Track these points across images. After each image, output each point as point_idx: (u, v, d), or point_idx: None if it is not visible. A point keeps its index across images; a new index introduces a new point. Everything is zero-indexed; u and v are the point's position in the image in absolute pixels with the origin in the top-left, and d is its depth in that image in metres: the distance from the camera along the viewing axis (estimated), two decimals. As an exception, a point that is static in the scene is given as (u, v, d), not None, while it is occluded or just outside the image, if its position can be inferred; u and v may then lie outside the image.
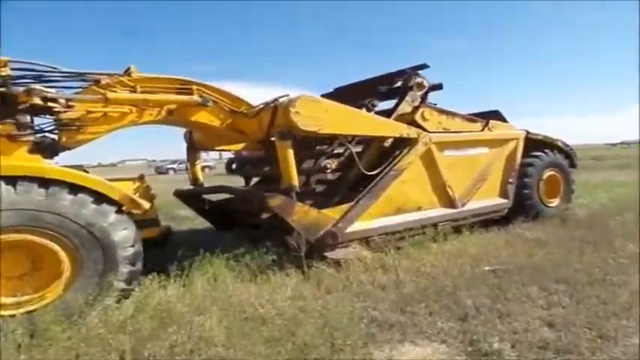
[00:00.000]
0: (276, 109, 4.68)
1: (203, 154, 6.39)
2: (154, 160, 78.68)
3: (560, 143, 7.38)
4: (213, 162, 41.74)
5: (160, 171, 43.86)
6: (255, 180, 6.66)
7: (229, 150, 6.17)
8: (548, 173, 7.09)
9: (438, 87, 5.97)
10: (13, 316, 3.24)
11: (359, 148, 5.63)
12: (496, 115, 6.85)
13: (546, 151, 7.12)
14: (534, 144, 7.00)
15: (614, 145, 69.13)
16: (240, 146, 5.61)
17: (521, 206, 6.69)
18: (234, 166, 6.81)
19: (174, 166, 44.48)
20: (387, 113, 5.75)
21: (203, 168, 6.45)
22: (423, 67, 5.94)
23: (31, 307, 3.34)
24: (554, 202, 7.21)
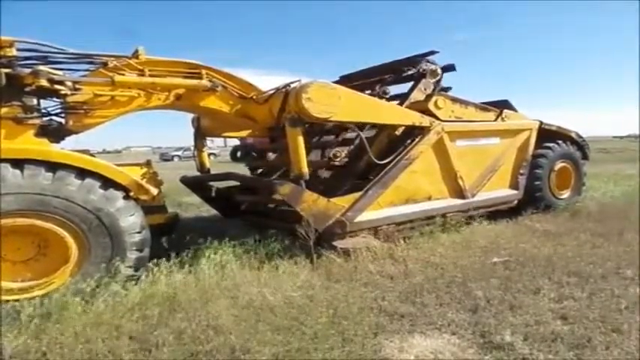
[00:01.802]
0: (287, 94, 4.60)
1: (207, 142, 6.32)
2: (159, 147, 78.83)
3: (573, 134, 7.28)
4: (218, 149, 41.66)
5: (165, 158, 43.86)
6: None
7: (237, 137, 6.10)
8: (559, 165, 7.01)
9: (450, 68, 5.84)
10: (20, 301, 3.22)
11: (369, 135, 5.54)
12: (505, 105, 6.74)
13: (559, 142, 7.02)
14: (547, 134, 6.89)
15: (621, 137, 68.40)
16: (248, 133, 5.54)
17: (532, 198, 6.62)
18: (239, 153, 6.75)
19: (180, 153, 44.47)
20: (399, 101, 5.66)
21: (208, 155, 6.39)
22: (432, 53, 5.81)
23: (38, 293, 3.32)
24: (565, 194, 7.13)
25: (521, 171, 6.52)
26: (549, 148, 6.85)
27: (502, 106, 6.64)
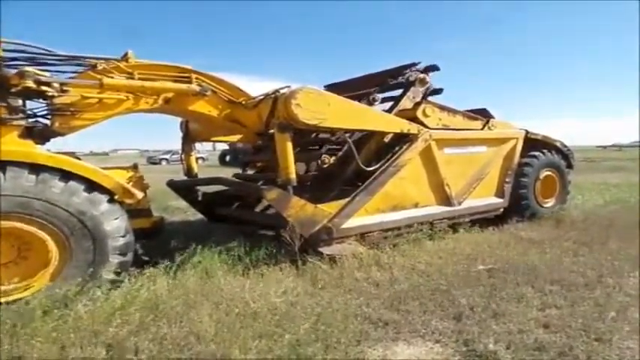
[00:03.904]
0: (276, 100, 4.60)
1: (196, 145, 6.31)
2: (147, 150, 78.04)
3: (558, 144, 7.39)
4: (206, 153, 41.44)
5: (153, 161, 43.48)
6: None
7: (226, 141, 6.10)
8: (544, 173, 7.09)
9: (437, 92, 5.91)
10: None
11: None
12: (483, 113, 6.79)
13: (544, 151, 7.11)
14: (532, 143, 6.99)
15: (605, 147, 69.51)
16: (237, 138, 5.54)
17: (517, 206, 6.68)
18: (227, 157, 6.72)
19: (167, 156, 44.15)
20: (388, 108, 5.70)
21: (196, 159, 6.37)
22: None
23: (17, 296, 3.27)
24: (550, 203, 7.22)
25: (507, 179, 6.59)
26: (535, 156, 6.93)
27: (479, 114, 6.70)
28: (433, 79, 5.92)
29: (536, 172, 6.93)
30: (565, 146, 7.52)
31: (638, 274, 4.19)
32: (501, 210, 6.60)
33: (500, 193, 6.57)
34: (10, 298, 3.24)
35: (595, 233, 5.79)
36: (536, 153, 6.98)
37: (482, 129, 6.41)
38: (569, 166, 7.65)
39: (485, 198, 6.40)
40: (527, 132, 6.89)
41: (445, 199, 5.82)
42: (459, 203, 5.94)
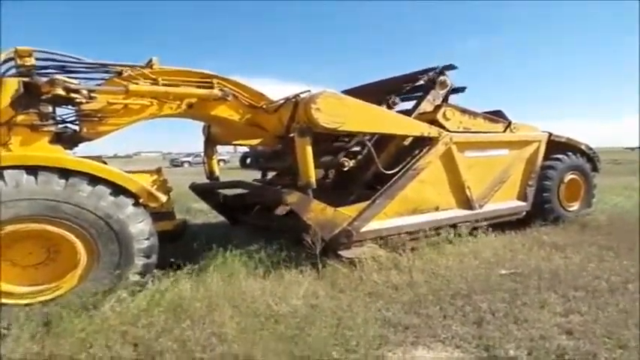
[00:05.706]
0: (296, 104, 4.66)
1: (218, 148, 6.40)
2: (170, 153, 79.32)
3: (583, 146, 7.25)
4: (228, 155, 41.92)
5: (175, 163, 44.22)
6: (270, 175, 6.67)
7: (247, 145, 6.17)
8: (569, 176, 6.97)
9: (460, 90, 5.87)
10: (28, 305, 3.29)
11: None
12: (499, 115, 6.70)
13: (569, 153, 6.99)
14: (556, 146, 6.88)
15: (632, 149, 67.34)
16: (258, 141, 5.60)
17: (540, 209, 6.58)
18: (248, 160, 6.82)
19: (190, 158, 44.79)
20: (407, 111, 5.69)
21: (217, 162, 6.47)
22: (451, 67, 5.86)
23: (46, 297, 3.39)
24: (574, 206, 7.08)
25: (530, 182, 6.49)
26: (558, 159, 6.82)
27: (496, 116, 6.61)
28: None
29: (560, 175, 6.81)
30: (590, 149, 7.37)
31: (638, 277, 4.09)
32: (524, 213, 6.51)
33: (522, 197, 6.48)
34: (40, 299, 3.36)
35: (621, 238, 5.65)
36: (560, 156, 6.87)
37: (503, 132, 6.35)
38: (595, 169, 7.50)
39: (508, 201, 6.33)
40: (550, 134, 6.79)
41: (466, 203, 5.77)
42: (481, 206, 5.89)
